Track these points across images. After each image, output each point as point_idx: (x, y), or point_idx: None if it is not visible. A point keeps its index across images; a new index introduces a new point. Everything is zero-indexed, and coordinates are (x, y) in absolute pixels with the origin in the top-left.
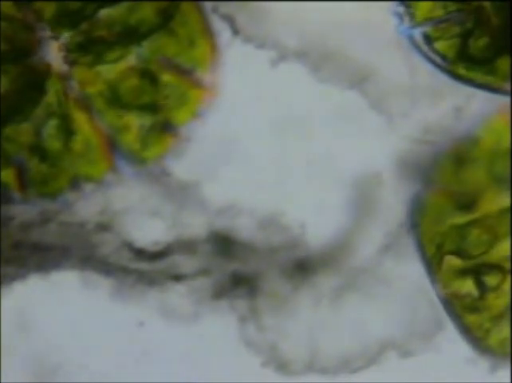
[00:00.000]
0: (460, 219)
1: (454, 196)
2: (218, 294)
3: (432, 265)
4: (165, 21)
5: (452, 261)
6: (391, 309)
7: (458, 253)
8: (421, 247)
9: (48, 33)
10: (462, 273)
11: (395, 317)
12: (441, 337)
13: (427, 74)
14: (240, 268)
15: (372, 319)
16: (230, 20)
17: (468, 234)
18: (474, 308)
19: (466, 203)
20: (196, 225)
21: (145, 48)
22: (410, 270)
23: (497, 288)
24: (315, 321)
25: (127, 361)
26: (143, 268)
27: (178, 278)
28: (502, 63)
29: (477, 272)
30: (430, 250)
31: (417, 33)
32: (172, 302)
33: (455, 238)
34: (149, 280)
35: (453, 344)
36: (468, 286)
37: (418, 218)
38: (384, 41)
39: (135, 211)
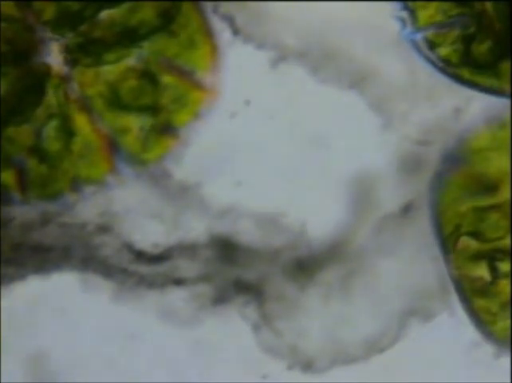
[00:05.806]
0: (481, 201)
1: (477, 179)
2: (220, 299)
3: (448, 244)
4: (165, 22)
5: (468, 242)
6: (399, 279)
7: (475, 235)
8: (438, 225)
9: (48, 34)
10: (477, 256)
11: (406, 285)
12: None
13: (427, 75)
14: (243, 274)
15: (384, 295)
16: (230, 20)
17: (487, 218)
18: (484, 292)
19: (489, 187)
20: (197, 227)
21: (145, 49)
22: (411, 238)
23: (509, 275)
24: (329, 315)
25: (127, 362)
26: (144, 270)
27: (178, 281)
28: (506, 66)
29: (491, 257)
30: (447, 230)
31: (420, 37)
32: (173, 305)
33: (474, 220)
34: (149, 283)
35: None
36: (481, 269)
37: (439, 196)
38: (384, 41)
39: (136, 212)
